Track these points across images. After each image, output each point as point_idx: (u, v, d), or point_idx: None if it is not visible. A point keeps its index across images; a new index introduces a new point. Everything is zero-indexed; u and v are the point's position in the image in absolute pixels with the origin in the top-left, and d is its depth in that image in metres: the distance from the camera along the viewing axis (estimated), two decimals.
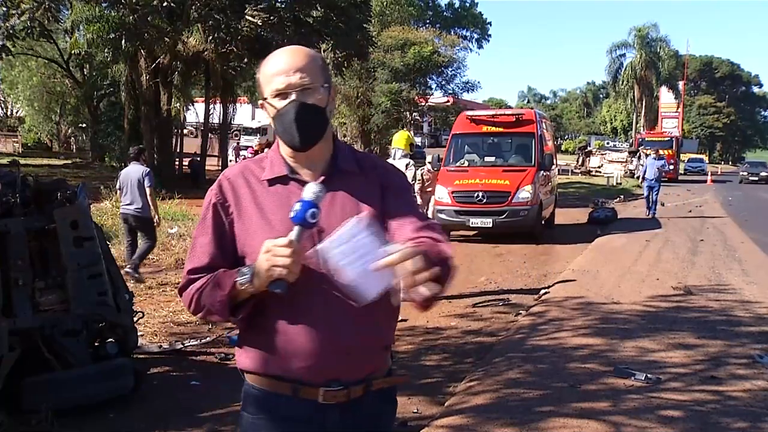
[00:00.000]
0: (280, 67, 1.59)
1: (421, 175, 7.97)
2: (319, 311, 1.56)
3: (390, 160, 7.69)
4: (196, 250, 1.65)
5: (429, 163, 11.30)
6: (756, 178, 36.90)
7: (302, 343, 1.57)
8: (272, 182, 1.64)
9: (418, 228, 1.61)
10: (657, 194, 16.08)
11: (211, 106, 23.69)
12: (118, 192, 8.45)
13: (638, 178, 30.95)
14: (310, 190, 1.51)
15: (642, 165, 31.58)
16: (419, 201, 8.12)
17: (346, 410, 1.60)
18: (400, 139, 7.83)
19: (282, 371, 1.60)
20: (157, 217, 8.08)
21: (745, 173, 38.24)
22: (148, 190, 7.84)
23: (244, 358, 1.67)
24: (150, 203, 7.92)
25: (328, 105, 1.63)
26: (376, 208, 1.63)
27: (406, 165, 7.63)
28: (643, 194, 17.14)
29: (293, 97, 1.57)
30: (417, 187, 7.67)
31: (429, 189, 9.55)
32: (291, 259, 1.45)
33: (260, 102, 1.66)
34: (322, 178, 1.62)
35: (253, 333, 1.63)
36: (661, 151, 20.10)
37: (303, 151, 1.62)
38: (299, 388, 1.59)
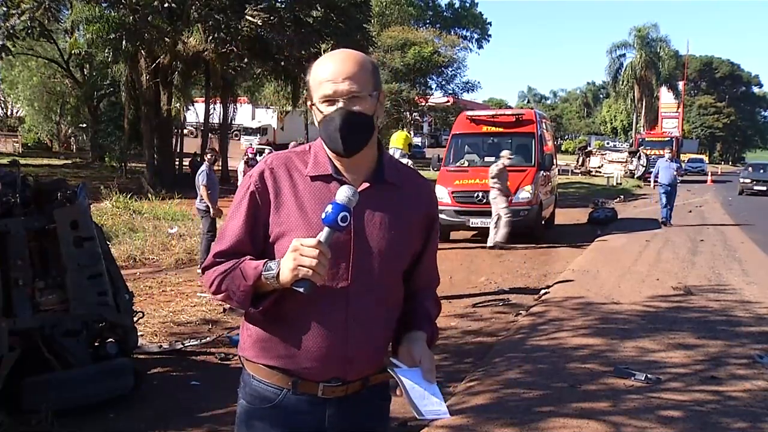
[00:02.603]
0: (329, 74, 1.58)
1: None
2: (337, 318, 1.59)
3: None
4: (227, 233, 1.66)
5: (509, 158, 11.13)
6: (764, 188, 25.56)
7: (312, 345, 1.59)
8: (315, 179, 1.63)
9: (429, 282, 1.81)
10: (675, 199, 14.67)
11: (211, 106, 23.70)
12: None
13: (639, 178, 31.04)
14: (343, 194, 1.51)
15: (642, 165, 31.65)
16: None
17: (343, 404, 1.64)
18: (398, 139, 7.84)
19: (285, 365, 1.62)
20: (212, 210, 8.84)
21: (747, 180, 26.68)
22: (201, 186, 8.91)
23: (249, 345, 1.68)
24: (204, 197, 8.84)
25: (376, 111, 1.63)
26: (408, 227, 1.68)
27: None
28: (643, 195, 16.99)
29: (340, 104, 1.57)
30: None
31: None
32: (317, 260, 1.46)
33: (309, 104, 1.67)
34: (366, 185, 1.63)
35: (265, 323, 1.64)
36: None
37: (347, 157, 1.62)
38: (299, 382, 1.62)
